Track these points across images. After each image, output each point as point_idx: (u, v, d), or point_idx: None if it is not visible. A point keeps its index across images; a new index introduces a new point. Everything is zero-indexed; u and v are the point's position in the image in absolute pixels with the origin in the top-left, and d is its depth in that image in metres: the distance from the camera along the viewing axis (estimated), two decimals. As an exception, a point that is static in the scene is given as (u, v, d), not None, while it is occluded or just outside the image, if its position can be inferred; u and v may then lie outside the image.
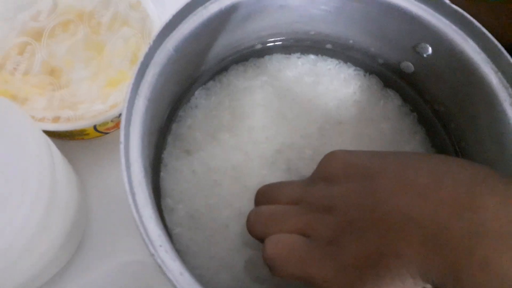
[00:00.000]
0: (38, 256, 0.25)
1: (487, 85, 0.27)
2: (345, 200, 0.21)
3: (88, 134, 0.32)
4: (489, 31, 0.32)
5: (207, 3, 0.26)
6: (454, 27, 0.27)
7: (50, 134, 0.30)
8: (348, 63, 0.35)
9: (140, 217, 0.20)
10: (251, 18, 0.29)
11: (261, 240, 0.23)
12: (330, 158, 0.24)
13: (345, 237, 0.20)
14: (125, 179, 0.20)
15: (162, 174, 0.30)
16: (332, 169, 0.23)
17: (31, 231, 0.22)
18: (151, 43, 0.23)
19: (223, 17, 0.27)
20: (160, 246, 0.20)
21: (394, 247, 0.19)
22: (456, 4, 0.27)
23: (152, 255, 0.19)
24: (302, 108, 0.33)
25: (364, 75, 0.34)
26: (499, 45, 0.26)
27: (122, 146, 0.20)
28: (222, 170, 0.30)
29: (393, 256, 0.19)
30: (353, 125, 0.33)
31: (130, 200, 0.20)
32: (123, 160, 0.20)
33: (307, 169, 0.31)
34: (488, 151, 0.28)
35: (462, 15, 0.27)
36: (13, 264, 0.22)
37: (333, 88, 0.34)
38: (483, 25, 0.37)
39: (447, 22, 0.27)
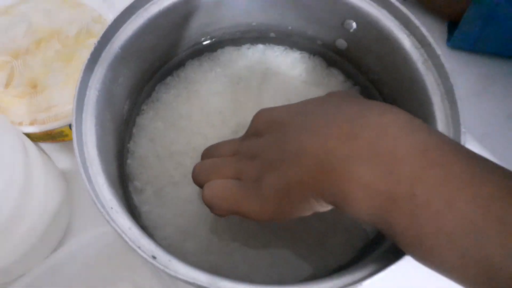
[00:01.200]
0: (20, 238, 0.28)
1: (403, 49, 0.30)
2: (266, 147, 0.25)
3: (66, 135, 0.36)
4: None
5: (147, 5, 0.30)
6: (368, 1, 0.31)
7: (34, 137, 0.35)
8: (294, 48, 0.38)
9: (90, 183, 0.24)
10: (192, 16, 0.33)
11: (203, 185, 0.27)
12: (257, 116, 0.28)
13: (265, 175, 0.24)
14: (76, 152, 0.24)
15: (129, 161, 0.34)
16: (258, 125, 0.27)
17: (5, 214, 0.26)
18: (96, 43, 0.27)
19: (164, 17, 0.31)
20: (111, 208, 0.24)
21: (297, 176, 0.22)
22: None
23: (102, 213, 0.23)
24: (254, 92, 0.36)
25: (309, 57, 0.38)
26: (406, 11, 0.29)
27: (73, 124, 0.24)
28: (184, 152, 0.34)
29: (298, 184, 0.22)
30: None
31: (81, 171, 0.23)
32: (75, 138, 0.24)
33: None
34: (413, 108, 0.31)
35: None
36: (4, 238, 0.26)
37: (281, 71, 0.37)
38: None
39: (360, -3, 0.31)
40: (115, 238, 0.33)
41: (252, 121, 0.28)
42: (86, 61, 0.26)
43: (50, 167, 0.33)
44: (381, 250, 0.26)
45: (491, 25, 0.41)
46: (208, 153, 0.30)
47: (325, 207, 0.23)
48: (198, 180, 0.28)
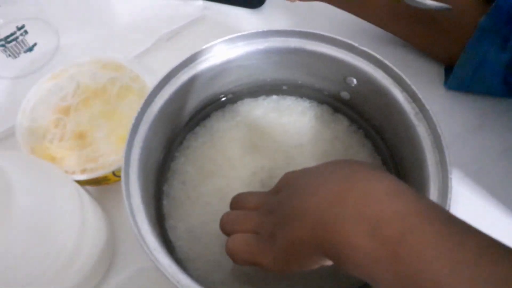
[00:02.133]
0: (74, 273, 0.34)
1: (397, 102, 0.35)
2: (280, 203, 0.29)
3: (109, 179, 0.42)
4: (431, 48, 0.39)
5: (179, 74, 0.36)
6: (365, 62, 0.36)
7: (83, 182, 0.41)
8: (304, 98, 0.43)
9: (139, 230, 0.29)
10: (217, 77, 0.39)
11: (228, 234, 0.32)
12: (282, 177, 0.33)
13: (278, 230, 0.28)
14: (126, 205, 0.29)
15: (164, 202, 0.39)
16: (279, 183, 0.32)
17: (68, 252, 0.31)
18: (139, 109, 0.33)
19: (193, 82, 0.37)
20: (155, 249, 0.29)
21: (299, 234, 0.26)
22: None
23: (148, 254, 0.28)
24: (269, 137, 0.42)
25: (317, 106, 0.43)
26: (397, 70, 0.34)
27: (122, 182, 0.30)
28: (210, 193, 0.39)
29: (301, 241, 0.26)
30: (311, 145, 0.41)
31: (131, 220, 0.29)
32: (124, 192, 0.30)
33: (276, 181, 0.39)
34: (408, 153, 0.35)
35: (369, 53, 0.35)
36: (58, 275, 0.32)
37: (293, 119, 0.43)
38: (425, 42, 0.45)
39: (359, 59, 0.36)
40: (152, 274, 0.38)
41: (282, 178, 0.32)
42: (131, 125, 0.32)
43: (97, 209, 0.38)
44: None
45: (481, 69, 0.45)
46: (236, 202, 0.34)
47: (330, 262, 0.26)
48: (225, 229, 0.32)
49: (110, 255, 0.40)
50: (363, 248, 0.22)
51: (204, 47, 0.36)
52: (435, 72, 0.50)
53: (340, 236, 0.23)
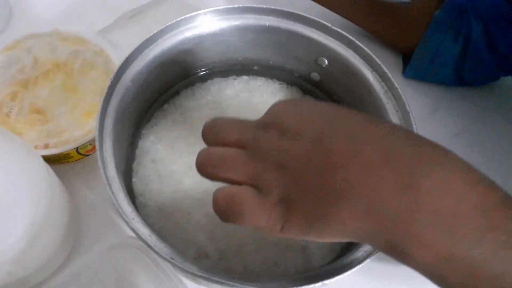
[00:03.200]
0: (41, 249, 0.32)
1: (367, 82, 0.36)
2: (296, 158, 0.22)
3: (72, 157, 0.40)
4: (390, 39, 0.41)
5: (152, 46, 0.35)
6: (337, 42, 0.37)
7: (43, 159, 0.38)
8: (274, 79, 0.44)
9: (116, 200, 0.28)
10: (189, 52, 0.38)
11: (210, 179, 0.25)
12: (284, 106, 0.24)
13: (295, 197, 0.21)
14: (102, 174, 0.28)
15: (134, 179, 0.38)
16: (285, 118, 0.23)
17: (36, 228, 0.30)
18: (112, 78, 0.32)
19: (166, 55, 0.36)
20: (133, 218, 0.28)
21: (338, 215, 0.21)
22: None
23: (127, 222, 0.27)
24: (240, 116, 0.42)
25: (287, 87, 0.44)
26: (369, 51, 0.36)
27: (98, 150, 0.28)
28: (181, 171, 0.39)
29: (336, 222, 0.21)
30: (281, 126, 0.42)
31: (108, 189, 0.28)
32: (100, 161, 0.28)
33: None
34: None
35: (341, 33, 0.37)
36: (23, 254, 0.30)
37: (263, 100, 0.43)
38: (385, 33, 0.48)
39: (332, 39, 0.37)
40: (121, 249, 0.37)
41: (276, 109, 0.24)
42: (104, 94, 0.31)
43: (62, 187, 0.36)
44: (355, 253, 0.31)
45: (436, 60, 0.48)
46: (212, 130, 0.26)
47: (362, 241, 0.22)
48: (206, 173, 0.25)
49: (74, 235, 0.38)
50: (436, 248, 0.19)
51: (180, 18, 0.35)
52: (394, 62, 0.53)
53: (411, 233, 0.19)
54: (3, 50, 0.41)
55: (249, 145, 0.24)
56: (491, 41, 0.45)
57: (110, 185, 0.28)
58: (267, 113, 0.25)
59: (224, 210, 0.24)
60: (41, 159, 0.32)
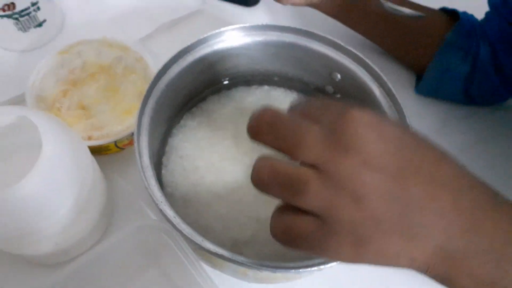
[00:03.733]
0: (82, 224, 0.38)
1: (375, 96, 0.41)
2: (376, 192, 0.21)
3: (110, 149, 0.46)
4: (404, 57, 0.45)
5: (186, 55, 0.40)
6: (349, 59, 0.41)
7: (85, 150, 0.44)
8: (292, 90, 0.49)
9: (148, 184, 0.33)
10: (217, 63, 0.43)
11: (271, 195, 0.23)
12: (366, 130, 0.21)
13: (369, 232, 0.21)
14: (138, 161, 0.33)
15: (163, 171, 0.43)
16: (369, 146, 0.21)
17: (80, 205, 0.35)
18: (150, 82, 0.37)
19: (197, 64, 0.41)
20: (161, 202, 0.33)
21: (410, 254, 0.22)
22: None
23: (156, 204, 0.32)
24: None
25: (303, 97, 0.48)
26: (376, 69, 0.40)
27: (135, 140, 0.34)
28: (204, 167, 0.44)
29: (406, 259, 0.22)
30: (296, 132, 0.46)
31: (142, 175, 0.33)
32: (136, 151, 0.34)
33: (263, 163, 0.44)
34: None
35: (353, 52, 0.41)
36: (68, 228, 0.36)
37: (282, 108, 0.47)
38: (399, 52, 0.51)
39: (344, 56, 0.42)
40: (147, 229, 0.42)
41: (356, 131, 0.21)
42: (144, 95, 0.36)
43: (100, 173, 0.42)
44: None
45: (446, 79, 0.52)
46: (272, 132, 0.24)
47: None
48: (266, 190, 0.23)
49: (109, 216, 0.43)
50: (483, 279, 0.22)
51: (211, 33, 0.40)
52: (408, 79, 0.57)
53: (465, 267, 0.22)
54: (58, 53, 0.48)
55: (325, 168, 0.21)
56: (497, 63, 0.49)
57: (144, 172, 0.34)
58: (346, 131, 0.21)
59: (281, 241, 0.23)
60: (87, 148, 0.37)
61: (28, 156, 0.32)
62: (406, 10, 0.45)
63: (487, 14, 0.51)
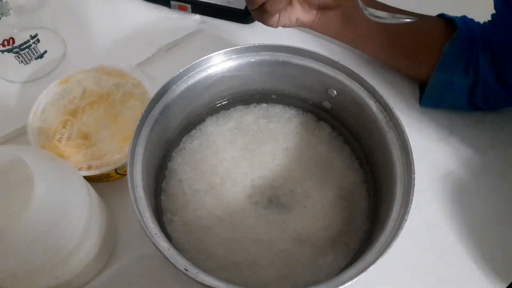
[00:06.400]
0: (82, 256, 0.38)
1: (371, 111, 0.40)
2: None
3: (111, 176, 0.46)
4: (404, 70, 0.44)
5: (179, 82, 0.40)
6: (343, 75, 0.41)
7: (86, 178, 0.44)
8: (290, 106, 0.48)
9: (142, 217, 0.33)
10: (212, 86, 0.43)
11: None
12: None
13: None
14: (131, 194, 0.33)
15: (162, 197, 0.43)
16: None
17: (77, 239, 0.35)
18: (143, 112, 0.37)
19: (192, 89, 0.41)
20: (155, 234, 0.33)
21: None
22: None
23: (149, 237, 0.32)
24: (259, 141, 0.46)
25: (303, 113, 0.48)
26: (371, 83, 0.39)
27: (128, 174, 0.34)
28: (204, 190, 0.43)
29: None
30: (296, 149, 0.46)
31: (135, 207, 0.33)
32: (129, 183, 0.34)
33: (266, 182, 0.44)
34: (381, 156, 0.40)
35: (346, 67, 0.40)
36: (67, 261, 0.36)
37: (280, 125, 0.47)
38: (399, 65, 0.50)
39: (339, 72, 0.41)
40: (152, 258, 0.42)
41: None
42: (135, 126, 0.36)
43: (101, 203, 0.42)
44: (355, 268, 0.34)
45: (449, 91, 0.50)
46: None
47: None
48: None
49: (112, 245, 0.43)
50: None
51: (201, 58, 0.40)
52: (412, 89, 0.56)
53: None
54: (58, 83, 0.49)
55: None
56: (499, 72, 0.47)
57: (137, 205, 0.34)
58: None
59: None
60: (83, 179, 0.38)
61: (22, 193, 0.32)
62: (387, 16, 0.43)
63: (493, 16, 0.49)
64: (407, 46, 0.51)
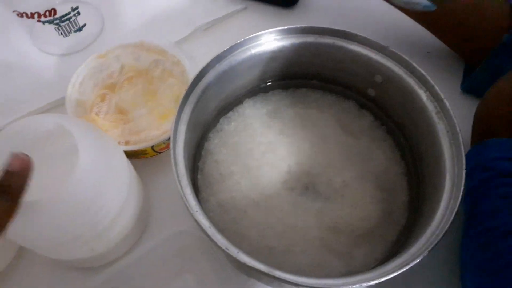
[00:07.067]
0: (118, 229, 0.38)
1: (420, 101, 0.38)
2: None
3: (147, 153, 0.46)
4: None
5: (222, 61, 0.39)
6: (392, 61, 0.39)
7: (122, 154, 0.44)
8: (332, 93, 0.47)
9: (184, 193, 0.33)
10: (253, 67, 0.42)
11: None
12: None
13: None
14: (174, 171, 0.33)
15: (198, 176, 0.43)
16: None
17: (116, 211, 0.35)
18: (186, 89, 0.36)
19: (234, 69, 0.40)
20: (196, 211, 0.33)
21: None
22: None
23: (191, 214, 0.32)
24: (297, 126, 0.45)
25: (344, 100, 0.46)
26: (423, 71, 0.38)
27: (171, 150, 0.33)
28: (240, 172, 0.43)
29: None
30: (335, 137, 0.44)
31: (178, 184, 0.32)
32: (172, 161, 0.33)
33: (303, 169, 0.43)
34: (427, 148, 0.39)
35: (396, 53, 0.39)
36: (104, 234, 0.36)
37: (320, 111, 0.46)
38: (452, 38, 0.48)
39: (387, 58, 0.39)
40: (184, 237, 0.42)
41: None
42: (179, 103, 0.36)
43: (137, 178, 0.42)
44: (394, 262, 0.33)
45: (497, 79, 0.48)
46: None
47: None
48: None
49: (145, 221, 0.43)
50: None
51: (247, 37, 0.39)
52: (451, 81, 0.54)
53: None
54: (96, 57, 0.48)
55: None
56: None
57: (180, 181, 0.33)
58: None
59: None
60: (123, 153, 0.37)
61: (65, 163, 0.32)
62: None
63: None
64: (469, 26, 0.49)
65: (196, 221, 0.32)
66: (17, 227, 0.31)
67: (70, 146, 0.31)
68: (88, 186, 0.31)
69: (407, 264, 0.30)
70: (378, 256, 0.39)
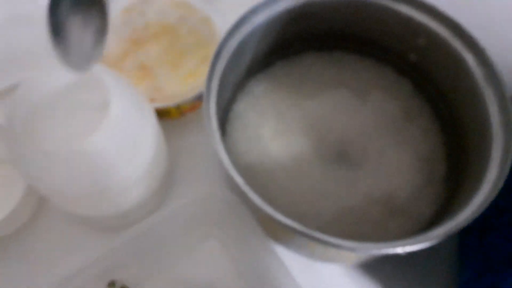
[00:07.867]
0: (144, 188, 0.36)
1: (467, 66, 0.36)
2: None
3: (171, 114, 0.44)
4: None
5: (254, 16, 0.36)
6: (437, 22, 0.37)
7: (146, 113, 0.42)
8: (369, 57, 0.44)
9: (217, 150, 0.31)
10: (288, 23, 0.40)
11: None
12: None
13: None
14: (207, 125, 0.31)
15: (226, 139, 0.41)
16: None
17: (143, 168, 0.34)
18: (220, 44, 0.34)
19: (266, 25, 0.38)
20: (231, 168, 0.31)
21: None
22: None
23: (227, 170, 0.30)
24: (330, 91, 0.43)
25: (382, 65, 0.44)
26: (472, 34, 0.35)
27: (204, 104, 0.32)
28: (269, 137, 0.41)
29: None
30: (371, 104, 0.42)
31: (212, 139, 0.31)
32: (205, 115, 0.31)
33: (335, 136, 0.41)
34: (472, 116, 0.37)
35: (445, 15, 0.36)
36: (130, 189, 0.34)
37: (355, 76, 0.44)
38: None
39: (431, 19, 0.37)
40: (208, 202, 0.40)
41: None
42: (212, 59, 0.34)
43: (163, 137, 0.40)
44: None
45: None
46: None
47: None
48: None
49: (169, 183, 0.42)
50: None
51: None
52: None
53: None
54: (121, 11, 0.46)
55: None
56: None
57: (213, 137, 0.31)
58: None
59: None
60: (152, 110, 0.36)
61: (93, 114, 0.30)
62: None
63: None
64: None
65: (231, 177, 0.30)
66: (44, 175, 0.29)
67: (99, 97, 0.30)
68: (118, 138, 0.30)
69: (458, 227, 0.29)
70: (413, 228, 0.38)
